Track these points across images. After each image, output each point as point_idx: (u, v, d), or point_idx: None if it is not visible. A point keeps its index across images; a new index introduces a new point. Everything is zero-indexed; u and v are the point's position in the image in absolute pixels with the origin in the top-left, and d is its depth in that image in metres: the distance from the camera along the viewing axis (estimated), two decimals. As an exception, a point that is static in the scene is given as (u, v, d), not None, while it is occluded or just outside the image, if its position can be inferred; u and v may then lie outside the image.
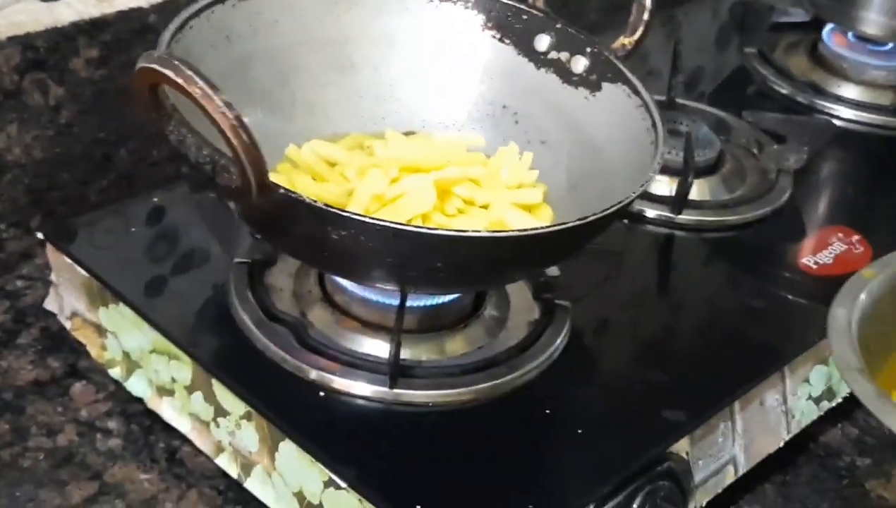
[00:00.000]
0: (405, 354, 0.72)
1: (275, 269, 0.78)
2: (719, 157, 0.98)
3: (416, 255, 0.65)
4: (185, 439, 0.75)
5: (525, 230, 0.68)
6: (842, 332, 0.65)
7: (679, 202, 0.91)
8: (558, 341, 0.76)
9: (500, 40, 0.84)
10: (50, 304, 0.83)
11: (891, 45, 1.20)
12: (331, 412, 0.70)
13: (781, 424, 0.80)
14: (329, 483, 0.66)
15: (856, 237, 0.93)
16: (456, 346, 0.75)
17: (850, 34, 1.21)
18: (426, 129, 0.84)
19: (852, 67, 1.19)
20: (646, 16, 0.81)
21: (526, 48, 0.83)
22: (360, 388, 0.71)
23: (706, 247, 0.93)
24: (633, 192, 0.69)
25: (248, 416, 0.70)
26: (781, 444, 0.80)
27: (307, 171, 0.77)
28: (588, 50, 0.81)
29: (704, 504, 0.75)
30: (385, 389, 0.70)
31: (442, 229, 0.70)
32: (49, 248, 0.81)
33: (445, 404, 0.71)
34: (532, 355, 0.75)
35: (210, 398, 0.72)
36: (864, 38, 1.20)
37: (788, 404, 0.80)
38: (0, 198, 0.87)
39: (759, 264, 0.91)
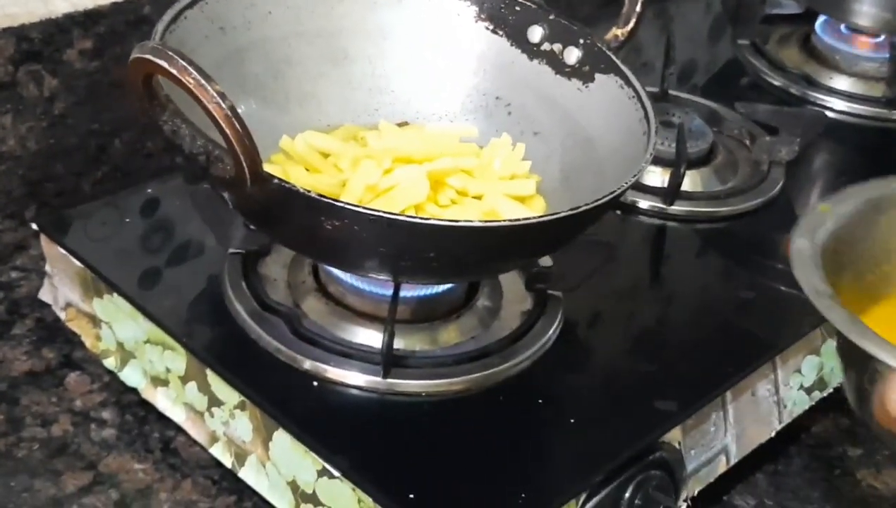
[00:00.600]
0: (398, 344, 0.72)
1: (269, 260, 0.79)
2: (712, 149, 0.99)
3: (409, 245, 0.65)
4: (179, 429, 0.75)
5: (518, 220, 0.69)
6: (807, 263, 0.65)
7: (671, 193, 0.92)
8: (551, 331, 0.76)
9: (494, 32, 0.84)
10: (44, 295, 0.83)
11: (883, 36, 1.20)
12: (324, 402, 0.71)
13: (773, 414, 0.80)
14: (323, 473, 0.66)
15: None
16: (449, 336, 0.75)
17: (842, 26, 1.21)
18: (419, 120, 0.84)
19: (844, 59, 1.20)
20: (638, 7, 0.81)
21: (519, 39, 0.84)
22: (354, 378, 0.71)
23: (698, 238, 0.93)
24: (626, 183, 0.69)
25: (242, 406, 0.70)
26: (773, 434, 0.80)
27: (301, 162, 0.77)
28: (581, 41, 0.81)
29: (696, 493, 0.75)
30: (378, 379, 0.71)
31: (435, 219, 0.70)
32: (43, 239, 0.81)
33: (438, 394, 0.72)
34: (525, 345, 0.75)
35: (204, 388, 0.72)
36: (856, 30, 1.20)
37: (780, 394, 0.80)
38: (-6, 190, 0.88)
39: (750, 255, 0.91)
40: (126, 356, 0.77)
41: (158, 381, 0.76)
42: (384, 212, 0.63)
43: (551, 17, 0.83)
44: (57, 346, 0.80)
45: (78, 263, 0.78)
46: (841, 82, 1.18)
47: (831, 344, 0.81)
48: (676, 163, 0.92)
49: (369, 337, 0.73)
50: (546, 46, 0.83)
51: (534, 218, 0.69)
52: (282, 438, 0.68)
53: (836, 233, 0.69)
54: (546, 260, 0.80)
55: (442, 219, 0.67)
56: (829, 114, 1.12)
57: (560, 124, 0.82)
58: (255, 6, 0.78)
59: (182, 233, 0.83)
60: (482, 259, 0.69)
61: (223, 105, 0.59)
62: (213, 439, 0.73)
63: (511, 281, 0.80)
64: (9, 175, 0.88)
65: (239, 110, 0.60)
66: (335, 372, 0.71)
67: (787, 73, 1.18)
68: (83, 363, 0.79)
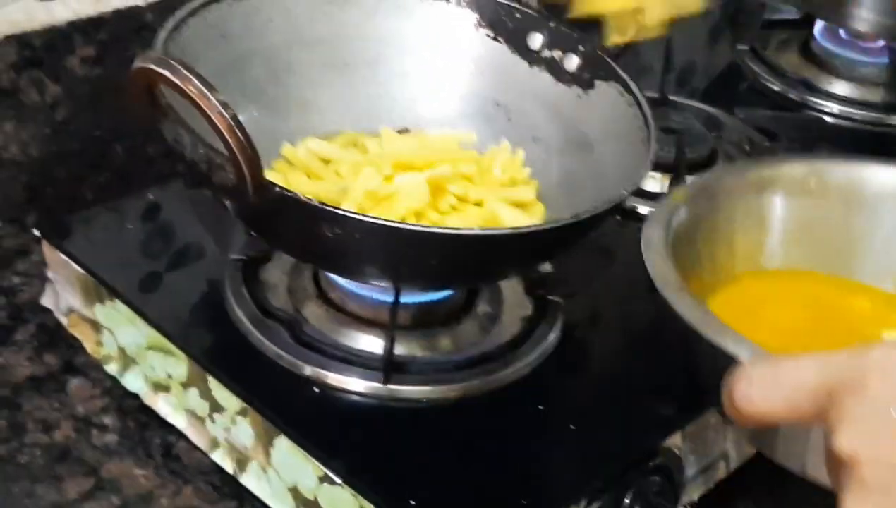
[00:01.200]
0: (399, 350, 0.72)
1: (270, 266, 0.79)
2: (711, 154, 0.99)
3: (409, 253, 0.66)
4: (180, 435, 0.75)
5: (519, 228, 0.69)
6: (657, 252, 0.65)
7: (671, 199, 0.92)
8: (551, 337, 0.77)
9: (494, 38, 0.84)
10: (46, 301, 0.83)
11: (882, 41, 1.20)
12: (325, 407, 0.71)
13: (772, 419, 0.80)
14: (324, 479, 0.66)
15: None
16: (449, 342, 0.76)
17: (841, 31, 1.22)
18: (420, 127, 0.85)
19: (844, 64, 1.20)
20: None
21: (519, 46, 0.84)
22: (355, 384, 0.71)
23: (698, 243, 0.93)
24: (626, 190, 0.69)
25: (243, 412, 0.70)
26: (772, 439, 0.80)
27: (302, 169, 0.78)
28: (580, 48, 0.82)
29: (696, 498, 0.76)
30: (379, 385, 0.71)
31: (436, 227, 0.70)
32: (45, 245, 0.81)
33: (439, 399, 0.72)
34: (525, 351, 0.75)
35: (205, 394, 0.72)
36: (855, 35, 1.21)
37: (779, 399, 0.80)
38: (-4, 196, 0.88)
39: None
40: (127, 362, 0.78)
41: (160, 387, 0.76)
42: (385, 220, 0.63)
43: (551, 23, 0.83)
44: (59, 352, 0.80)
45: (79, 269, 0.78)
46: (840, 87, 1.18)
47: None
48: (676, 169, 0.92)
49: (370, 343, 0.74)
50: (546, 53, 0.83)
51: (535, 226, 0.69)
52: (283, 444, 0.68)
53: (688, 221, 0.69)
54: (546, 266, 0.80)
55: (443, 228, 0.67)
56: (828, 119, 1.12)
57: (560, 130, 0.82)
58: (256, 14, 0.79)
59: (183, 238, 0.83)
60: (482, 266, 0.70)
61: (226, 114, 0.59)
62: (215, 445, 0.74)
63: (511, 287, 0.80)
64: (11, 181, 0.88)
65: (240, 118, 0.60)
66: (336, 378, 0.71)
67: (787, 79, 1.19)
68: (85, 368, 0.80)
